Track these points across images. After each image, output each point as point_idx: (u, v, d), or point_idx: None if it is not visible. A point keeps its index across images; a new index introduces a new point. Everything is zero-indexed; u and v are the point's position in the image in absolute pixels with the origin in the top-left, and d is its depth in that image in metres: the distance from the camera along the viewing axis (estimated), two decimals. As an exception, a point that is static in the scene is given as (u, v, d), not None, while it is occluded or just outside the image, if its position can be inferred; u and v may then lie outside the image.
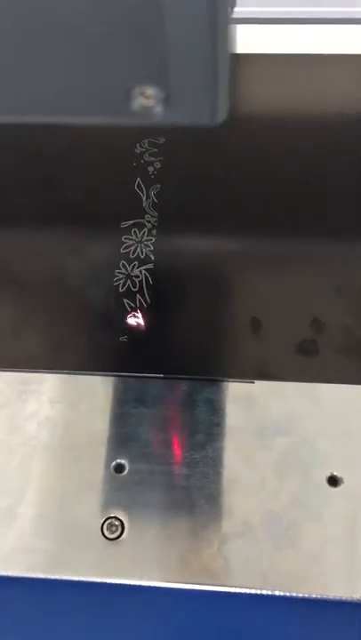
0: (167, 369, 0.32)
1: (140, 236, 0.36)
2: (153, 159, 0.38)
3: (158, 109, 0.19)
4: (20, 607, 0.31)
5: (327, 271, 0.35)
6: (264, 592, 0.29)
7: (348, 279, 0.34)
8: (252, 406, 0.32)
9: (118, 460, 0.31)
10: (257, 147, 0.38)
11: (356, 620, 0.29)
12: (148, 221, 0.36)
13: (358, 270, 0.34)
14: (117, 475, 0.31)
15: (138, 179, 0.37)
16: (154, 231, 0.36)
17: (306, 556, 0.29)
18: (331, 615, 0.30)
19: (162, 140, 0.38)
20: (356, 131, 0.38)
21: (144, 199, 0.37)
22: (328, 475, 0.31)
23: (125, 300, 0.34)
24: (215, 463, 0.31)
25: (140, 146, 0.38)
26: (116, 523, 0.30)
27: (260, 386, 0.32)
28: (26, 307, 0.34)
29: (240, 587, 0.29)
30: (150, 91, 0.18)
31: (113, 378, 0.33)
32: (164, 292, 0.34)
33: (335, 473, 0.30)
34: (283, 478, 0.30)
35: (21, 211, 0.37)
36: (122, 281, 0.35)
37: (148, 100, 0.19)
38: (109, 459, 0.31)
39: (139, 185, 0.37)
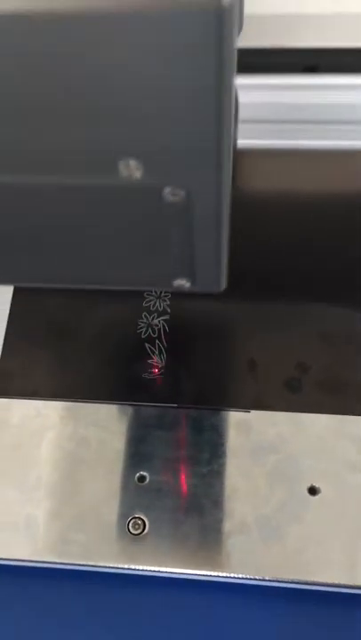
0: (181, 400, 0.40)
1: (158, 292, 0.44)
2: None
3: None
4: (58, 594, 0.39)
5: (311, 323, 0.43)
6: (258, 577, 0.36)
7: (328, 329, 0.42)
8: (248, 431, 0.40)
9: (141, 473, 0.39)
10: (260, 229, 0.47)
11: (334, 602, 0.37)
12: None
13: (336, 322, 0.43)
14: (140, 484, 0.38)
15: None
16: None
17: (291, 550, 0.36)
18: (312, 599, 0.37)
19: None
20: (338, 216, 0.47)
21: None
22: (308, 486, 0.38)
23: (147, 345, 0.42)
24: (219, 475, 0.38)
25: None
26: (139, 522, 0.37)
27: (256, 414, 0.40)
28: (68, 349, 0.42)
29: (239, 574, 0.36)
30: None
31: (136, 407, 0.40)
32: (177, 338, 0.42)
33: (314, 484, 0.38)
34: (272, 488, 0.38)
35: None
36: (143, 329, 0.43)
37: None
38: (133, 471, 0.39)
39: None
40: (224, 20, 0.15)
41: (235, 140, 0.26)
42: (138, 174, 0.19)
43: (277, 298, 0.44)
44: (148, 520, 0.37)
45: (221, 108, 0.17)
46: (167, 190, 0.20)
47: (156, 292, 0.44)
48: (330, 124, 0.38)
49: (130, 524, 0.37)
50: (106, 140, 0.18)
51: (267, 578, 0.36)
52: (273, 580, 0.36)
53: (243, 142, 0.36)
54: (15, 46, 0.16)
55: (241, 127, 0.30)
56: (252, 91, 0.37)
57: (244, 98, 0.30)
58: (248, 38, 0.35)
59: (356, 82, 0.36)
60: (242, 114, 0.28)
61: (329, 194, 0.48)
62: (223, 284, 0.25)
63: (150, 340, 0.42)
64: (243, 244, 0.44)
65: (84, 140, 0.18)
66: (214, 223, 0.21)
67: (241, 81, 0.29)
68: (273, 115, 0.38)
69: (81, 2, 0.15)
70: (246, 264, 0.45)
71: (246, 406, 0.40)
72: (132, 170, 0.19)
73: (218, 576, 0.36)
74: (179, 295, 0.44)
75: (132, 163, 0.19)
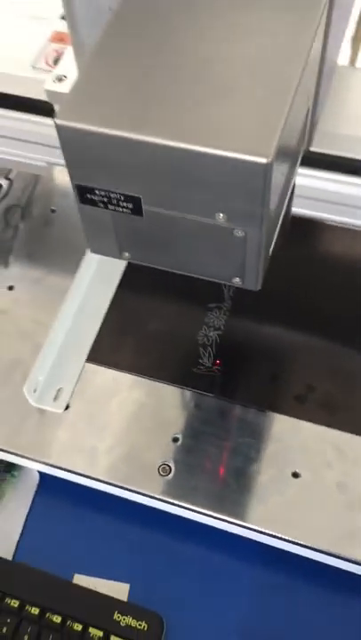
0: (215, 391, 0.56)
1: (219, 313, 0.60)
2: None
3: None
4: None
5: (322, 356, 0.57)
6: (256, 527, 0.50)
7: (335, 362, 0.57)
8: (262, 425, 0.54)
9: (175, 434, 0.54)
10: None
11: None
12: (225, 306, 0.60)
13: (342, 358, 0.57)
14: (174, 443, 0.54)
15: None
16: (227, 312, 0.60)
17: (276, 504, 0.51)
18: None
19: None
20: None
21: (225, 292, 0.61)
22: (292, 471, 0.52)
23: (201, 349, 0.58)
24: (233, 449, 0.53)
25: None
26: (167, 468, 0.53)
27: (269, 415, 0.55)
28: (146, 339, 0.59)
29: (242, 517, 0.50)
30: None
31: (182, 390, 0.56)
32: (224, 349, 0.58)
33: (297, 470, 0.52)
34: (266, 468, 0.52)
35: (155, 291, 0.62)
36: (201, 337, 0.59)
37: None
38: (170, 433, 0.54)
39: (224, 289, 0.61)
40: (267, 171, 0.29)
41: (288, 211, 0.41)
42: (223, 220, 0.34)
43: (302, 332, 0.59)
44: (174, 468, 0.53)
45: (264, 207, 0.31)
46: (236, 230, 0.35)
47: (217, 312, 0.60)
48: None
49: (160, 468, 0.53)
50: (210, 206, 0.33)
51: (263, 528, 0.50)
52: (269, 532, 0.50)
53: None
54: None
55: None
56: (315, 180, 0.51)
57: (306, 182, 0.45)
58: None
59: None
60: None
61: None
62: (260, 286, 0.38)
63: (205, 346, 0.58)
64: (290, 291, 0.59)
65: (202, 203, 0.33)
66: (257, 251, 0.36)
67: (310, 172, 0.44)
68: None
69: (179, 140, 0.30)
70: (286, 306, 0.60)
71: (263, 407, 0.55)
72: (220, 218, 0.34)
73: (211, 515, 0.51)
74: (232, 318, 0.59)
75: (222, 215, 0.33)
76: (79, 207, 0.31)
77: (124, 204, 0.30)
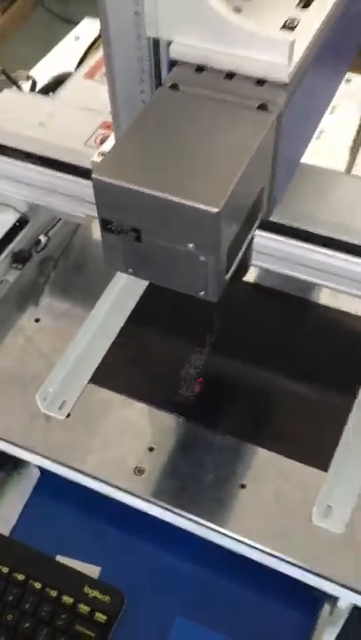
0: (189, 415, 0.69)
1: (200, 355, 0.74)
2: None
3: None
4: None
5: (280, 393, 0.71)
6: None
7: (291, 401, 0.70)
8: (226, 450, 0.68)
9: (151, 445, 0.68)
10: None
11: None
12: (206, 350, 0.75)
13: (296, 397, 0.70)
14: (150, 452, 0.67)
15: (207, 332, 0.76)
16: (207, 355, 0.74)
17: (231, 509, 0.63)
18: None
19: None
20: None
21: (207, 339, 0.76)
22: (241, 483, 0.65)
23: (181, 382, 0.72)
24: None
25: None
26: (142, 469, 0.66)
27: (227, 439, 0.68)
28: (140, 363, 0.73)
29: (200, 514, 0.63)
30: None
31: (163, 412, 0.70)
32: (201, 383, 0.72)
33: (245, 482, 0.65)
34: (223, 480, 0.65)
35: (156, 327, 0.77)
36: (183, 373, 0.73)
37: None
38: (148, 443, 0.68)
39: (207, 337, 0.76)
40: (219, 221, 0.44)
41: (248, 254, 0.56)
42: (193, 249, 0.46)
43: (262, 374, 0.73)
44: (147, 466, 0.66)
45: (219, 242, 0.45)
46: (200, 257, 0.48)
47: (198, 354, 0.74)
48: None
49: (136, 469, 0.66)
50: (184, 238, 0.47)
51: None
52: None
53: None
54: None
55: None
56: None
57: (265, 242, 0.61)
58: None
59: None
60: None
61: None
62: (217, 299, 0.48)
63: (184, 380, 0.72)
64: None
65: (179, 236, 0.48)
66: (215, 273, 0.48)
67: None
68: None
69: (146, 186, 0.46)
70: (250, 355, 0.74)
71: (224, 431, 0.68)
72: (190, 247, 0.46)
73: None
74: (210, 360, 0.74)
75: (191, 245, 0.46)
76: (101, 233, 0.46)
77: (130, 234, 0.45)
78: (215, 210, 0.41)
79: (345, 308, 0.78)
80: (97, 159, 0.65)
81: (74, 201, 0.72)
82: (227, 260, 0.46)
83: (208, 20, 0.46)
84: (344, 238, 0.61)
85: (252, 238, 0.53)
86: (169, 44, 0.49)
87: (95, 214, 0.46)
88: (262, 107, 0.47)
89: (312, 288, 0.79)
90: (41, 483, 0.75)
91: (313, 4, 0.52)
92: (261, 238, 0.62)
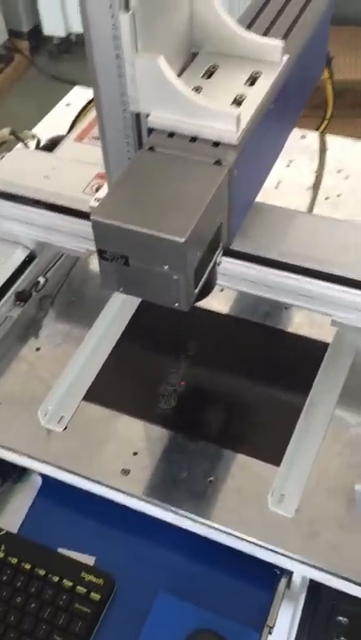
0: (167, 425, 0.83)
1: (176, 375, 0.87)
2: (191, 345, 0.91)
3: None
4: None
5: (243, 405, 0.84)
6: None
7: (252, 410, 0.83)
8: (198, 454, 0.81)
9: (135, 450, 0.80)
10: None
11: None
12: (181, 371, 0.88)
13: (256, 407, 0.83)
14: (134, 455, 0.80)
15: (182, 355, 0.90)
16: (182, 375, 0.88)
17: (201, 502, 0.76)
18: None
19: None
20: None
21: (183, 363, 0.89)
22: (209, 479, 0.78)
23: (160, 397, 0.85)
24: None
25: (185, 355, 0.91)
26: (127, 471, 0.79)
27: (200, 443, 0.81)
28: (127, 388, 0.87)
29: (177, 505, 0.76)
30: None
31: (145, 422, 0.83)
32: (177, 398, 0.85)
33: (211, 478, 0.78)
34: (195, 476, 0.78)
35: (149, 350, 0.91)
36: (161, 389, 0.86)
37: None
38: (132, 448, 0.81)
39: (181, 359, 0.90)
40: (185, 249, 0.58)
41: (213, 275, 0.70)
42: (167, 270, 0.59)
43: (229, 391, 0.86)
44: (132, 468, 0.79)
45: (185, 265, 0.58)
46: (173, 276, 0.61)
47: (174, 374, 0.88)
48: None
49: (122, 471, 0.79)
50: (161, 262, 0.62)
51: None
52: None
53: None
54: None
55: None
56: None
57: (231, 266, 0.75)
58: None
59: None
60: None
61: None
62: (188, 309, 0.62)
63: (162, 395, 0.86)
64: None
65: (157, 261, 0.63)
66: (185, 288, 0.60)
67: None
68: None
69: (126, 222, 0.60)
70: (218, 375, 0.88)
71: (195, 437, 0.81)
72: (166, 268, 0.60)
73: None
74: (185, 379, 0.87)
75: (166, 267, 0.60)
76: (98, 261, 0.60)
77: (120, 260, 0.59)
78: (182, 239, 0.56)
79: (296, 332, 0.92)
80: (94, 204, 0.82)
81: (74, 238, 0.89)
82: (194, 277, 0.61)
83: (175, 99, 0.62)
84: (296, 262, 0.77)
85: (217, 262, 0.68)
86: (147, 116, 0.65)
87: (92, 248, 0.61)
88: (218, 162, 0.63)
89: (269, 316, 0.93)
90: (42, 489, 0.87)
91: (257, 83, 0.68)
92: (226, 263, 0.77)
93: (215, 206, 0.61)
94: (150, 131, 0.65)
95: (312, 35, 0.75)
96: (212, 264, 0.66)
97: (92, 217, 0.58)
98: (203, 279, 0.63)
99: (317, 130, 1.07)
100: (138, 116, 0.65)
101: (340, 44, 1.97)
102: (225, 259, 0.73)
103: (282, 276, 0.77)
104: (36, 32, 2.92)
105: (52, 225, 0.89)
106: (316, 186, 1.08)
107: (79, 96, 1.28)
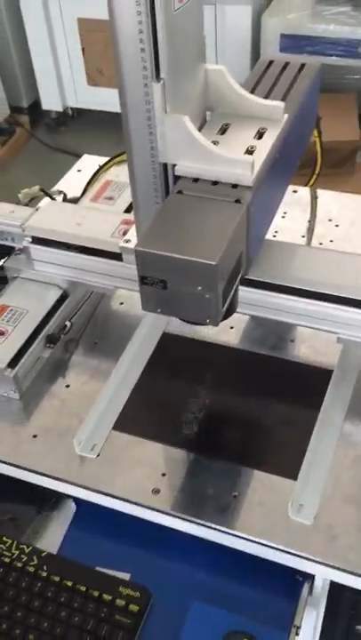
0: (189, 448, 0.91)
1: (196, 403, 0.96)
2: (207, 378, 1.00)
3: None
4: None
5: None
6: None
7: (264, 434, 0.92)
8: (215, 470, 0.89)
9: (163, 472, 0.88)
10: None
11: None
12: (200, 400, 0.97)
13: (268, 431, 0.92)
14: (163, 477, 0.88)
15: (200, 385, 0.99)
16: (202, 404, 0.96)
17: (229, 514, 0.83)
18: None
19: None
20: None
21: (201, 392, 0.98)
22: (233, 494, 0.86)
23: (183, 424, 0.94)
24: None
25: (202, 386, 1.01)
26: (158, 490, 0.86)
27: (218, 462, 0.89)
28: (152, 416, 0.95)
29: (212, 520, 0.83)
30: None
31: (170, 447, 0.91)
32: (198, 424, 0.94)
33: (236, 493, 0.86)
34: (220, 492, 0.86)
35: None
36: (183, 417, 0.95)
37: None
38: (161, 470, 0.88)
39: (199, 389, 0.99)
40: (216, 271, 0.68)
41: (235, 296, 0.80)
42: (201, 290, 0.69)
43: (243, 416, 0.95)
44: (162, 487, 0.86)
45: (217, 286, 0.68)
46: (206, 295, 0.69)
47: (194, 402, 0.96)
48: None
49: (153, 490, 0.86)
50: (195, 284, 0.73)
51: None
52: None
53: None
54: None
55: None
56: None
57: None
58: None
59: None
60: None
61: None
62: (218, 324, 0.72)
63: (185, 422, 0.94)
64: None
65: (192, 283, 0.73)
66: (215, 307, 0.70)
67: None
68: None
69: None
70: (232, 402, 0.97)
71: (212, 456, 0.90)
72: (199, 289, 0.69)
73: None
74: (204, 407, 0.96)
75: (200, 287, 0.71)
76: (140, 286, 0.70)
77: (159, 284, 0.69)
78: (214, 262, 0.67)
79: (303, 361, 1.01)
80: (123, 245, 0.94)
81: (104, 277, 1.01)
82: (222, 297, 0.71)
83: (199, 151, 0.74)
84: (306, 288, 0.87)
85: (238, 287, 0.79)
86: (174, 166, 0.77)
87: (119, 284, 0.71)
88: (237, 201, 0.74)
89: (276, 348, 1.03)
90: (77, 515, 0.95)
91: (264, 137, 0.80)
92: (243, 292, 0.87)
93: (237, 237, 0.72)
94: (177, 178, 0.77)
95: (305, 98, 0.88)
96: (235, 287, 0.77)
97: (136, 248, 0.69)
98: (228, 299, 0.74)
99: (307, 185, 1.20)
100: (165, 166, 0.77)
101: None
102: (243, 288, 0.84)
103: (293, 300, 0.88)
104: (35, 107, 3.14)
105: (83, 265, 1.00)
106: (309, 233, 1.20)
107: (88, 163, 1.41)
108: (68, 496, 0.95)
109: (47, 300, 1.05)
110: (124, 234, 0.96)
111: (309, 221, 1.22)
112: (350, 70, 2.54)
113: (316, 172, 1.15)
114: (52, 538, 0.93)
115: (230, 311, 0.78)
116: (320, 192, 1.27)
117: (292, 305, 0.88)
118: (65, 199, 1.24)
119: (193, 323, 0.77)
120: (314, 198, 1.20)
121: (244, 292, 0.87)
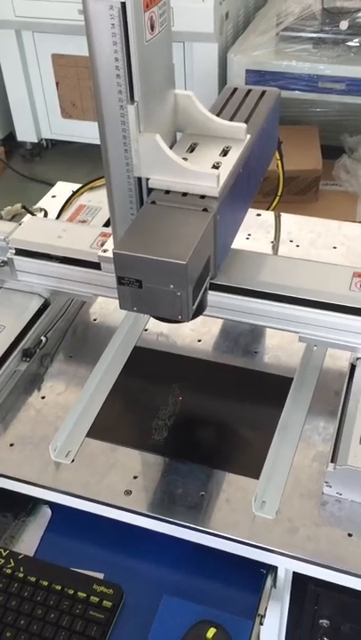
0: (160, 452, 0.96)
1: (165, 412, 1.02)
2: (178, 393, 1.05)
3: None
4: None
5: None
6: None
7: (230, 437, 0.97)
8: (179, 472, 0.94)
9: (135, 474, 0.93)
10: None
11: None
12: (170, 408, 1.03)
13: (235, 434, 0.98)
14: (134, 479, 0.93)
15: (171, 395, 1.05)
16: (171, 412, 1.02)
17: (197, 514, 0.88)
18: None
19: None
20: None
21: (170, 400, 1.04)
22: (201, 493, 0.91)
23: (153, 430, 0.99)
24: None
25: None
26: (130, 492, 0.91)
27: (188, 464, 0.94)
28: (124, 423, 1.00)
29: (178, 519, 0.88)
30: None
31: (142, 452, 0.96)
32: (167, 430, 0.99)
33: (203, 493, 0.91)
34: (189, 492, 0.91)
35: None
36: (154, 424, 1.00)
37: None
38: (133, 473, 0.93)
39: (169, 397, 1.04)
40: (186, 269, 0.74)
41: (205, 297, 0.87)
42: (172, 288, 0.76)
43: (211, 423, 1.01)
44: (134, 489, 0.91)
45: (187, 284, 0.75)
46: (177, 293, 0.76)
47: (164, 411, 1.02)
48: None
49: (125, 492, 0.91)
50: (167, 283, 0.79)
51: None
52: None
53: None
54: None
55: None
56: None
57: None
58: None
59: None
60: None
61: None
62: (189, 320, 0.80)
63: (155, 429, 0.99)
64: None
65: (165, 282, 0.80)
66: (187, 304, 0.76)
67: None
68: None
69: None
70: (198, 410, 1.02)
71: (183, 459, 0.95)
72: (171, 287, 0.76)
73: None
74: (173, 415, 1.01)
75: (172, 286, 0.81)
76: (117, 286, 0.77)
77: (135, 284, 0.75)
78: (184, 262, 0.74)
79: (266, 370, 1.08)
80: (102, 254, 1.01)
81: (83, 285, 1.08)
82: (192, 295, 0.79)
83: (169, 166, 0.82)
84: (268, 290, 0.96)
85: (207, 289, 0.86)
86: (147, 179, 0.84)
87: (97, 292, 0.80)
88: (205, 209, 0.82)
89: (243, 358, 1.09)
90: (53, 519, 0.99)
91: (229, 154, 0.88)
92: (213, 296, 0.95)
93: (205, 241, 0.80)
94: (150, 190, 0.84)
95: (265, 121, 0.96)
96: (204, 288, 0.84)
97: (114, 251, 0.76)
98: (198, 299, 0.81)
99: (270, 207, 1.28)
100: (139, 179, 0.84)
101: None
102: (213, 292, 0.92)
103: (257, 303, 0.96)
104: (10, 138, 3.21)
105: (64, 275, 1.08)
106: (274, 251, 1.28)
107: (62, 189, 1.49)
108: (44, 502, 0.99)
109: (28, 311, 1.11)
110: (102, 245, 1.03)
111: (272, 242, 1.30)
112: (312, 104, 2.68)
113: (279, 193, 1.23)
114: (28, 542, 0.97)
115: (200, 310, 0.86)
116: (283, 215, 1.35)
117: (256, 307, 0.97)
118: (46, 216, 1.30)
119: (166, 320, 0.84)
120: (277, 217, 1.28)
121: (214, 297, 0.95)
